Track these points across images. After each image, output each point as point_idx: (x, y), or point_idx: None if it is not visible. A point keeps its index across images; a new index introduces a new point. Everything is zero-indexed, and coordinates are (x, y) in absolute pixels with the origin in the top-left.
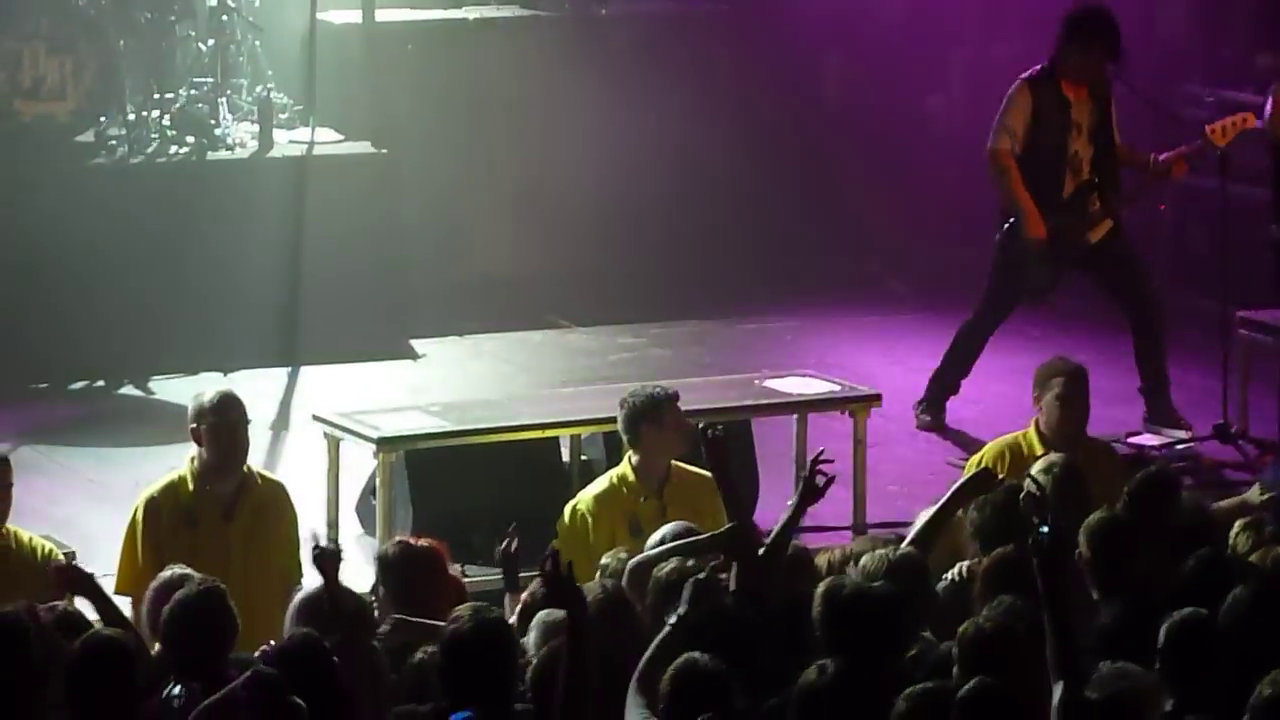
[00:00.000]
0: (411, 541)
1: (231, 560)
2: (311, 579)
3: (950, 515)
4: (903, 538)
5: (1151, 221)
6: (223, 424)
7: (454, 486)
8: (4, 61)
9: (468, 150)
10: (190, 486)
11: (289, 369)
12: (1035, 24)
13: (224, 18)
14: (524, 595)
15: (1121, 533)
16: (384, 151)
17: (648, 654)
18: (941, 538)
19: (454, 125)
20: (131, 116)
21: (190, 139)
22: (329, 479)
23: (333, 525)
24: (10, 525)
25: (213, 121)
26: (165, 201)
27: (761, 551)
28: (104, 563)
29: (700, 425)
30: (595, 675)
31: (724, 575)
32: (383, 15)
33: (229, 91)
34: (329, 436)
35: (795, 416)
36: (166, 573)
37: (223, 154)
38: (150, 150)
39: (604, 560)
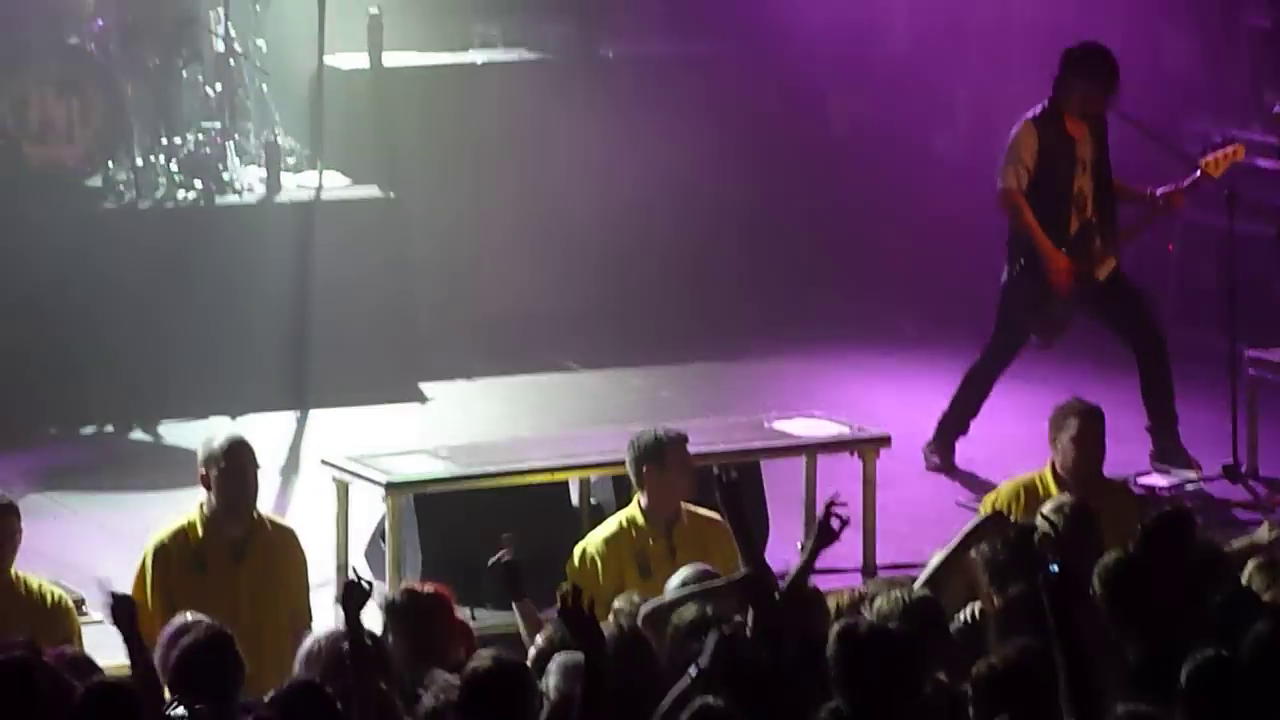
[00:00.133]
0: (417, 588)
1: (241, 605)
2: (321, 623)
3: (962, 557)
4: (913, 579)
5: (1160, 259)
6: (233, 469)
7: (463, 530)
8: (12, 105)
9: (475, 193)
10: (200, 531)
11: (298, 413)
12: (1041, 60)
13: (231, 62)
14: (539, 638)
15: (1136, 572)
16: (391, 195)
17: (665, 703)
18: (953, 579)
19: (461, 168)
20: (139, 161)
21: (198, 183)
22: (338, 523)
23: (342, 569)
24: (19, 570)
25: (220, 166)
26: (173, 246)
27: (778, 595)
28: None
29: (715, 470)
30: (610, 714)
31: (738, 617)
32: (390, 59)
33: (236, 136)
34: (338, 480)
35: (804, 458)
36: (179, 619)
37: (230, 198)
38: (158, 194)
39: (617, 603)
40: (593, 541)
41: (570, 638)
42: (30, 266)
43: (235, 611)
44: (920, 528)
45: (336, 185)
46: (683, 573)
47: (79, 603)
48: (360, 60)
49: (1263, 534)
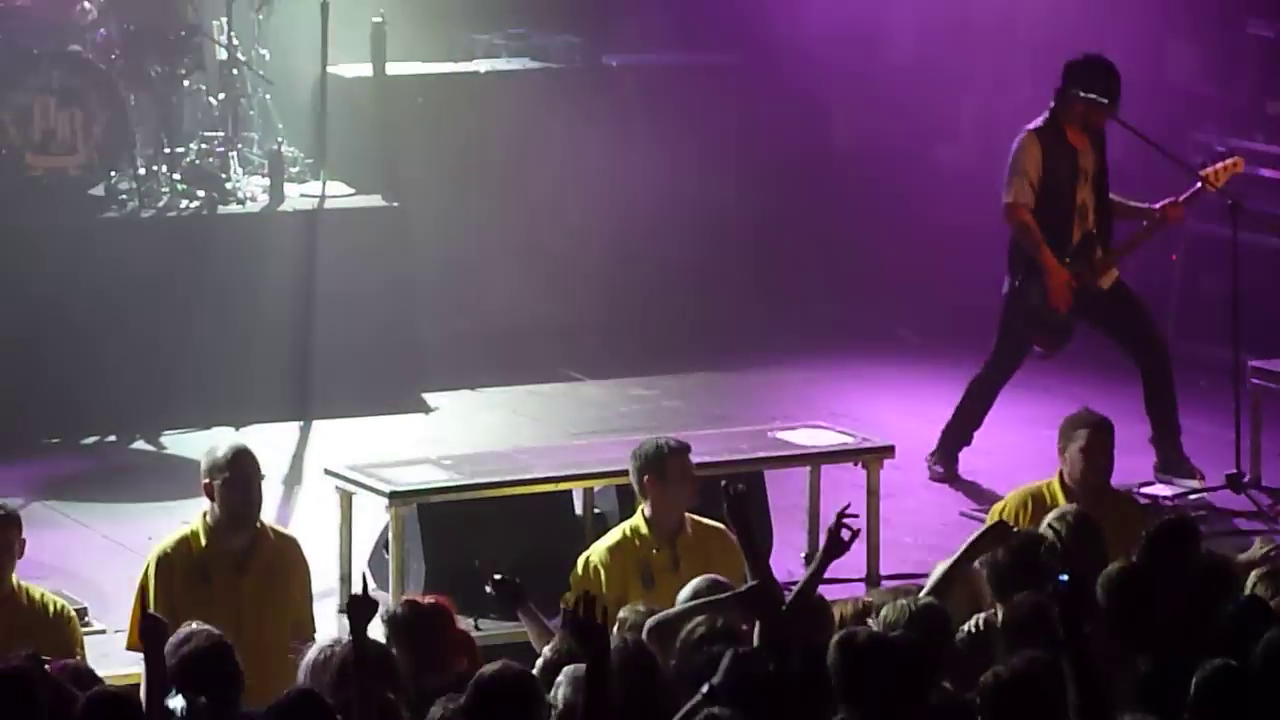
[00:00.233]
0: (418, 600)
1: (244, 615)
2: (324, 633)
3: (966, 566)
4: (919, 588)
5: (1163, 270)
6: (237, 478)
7: (467, 540)
8: (15, 115)
9: (479, 202)
10: (203, 541)
11: (301, 423)
12: (1044, 72)
13: (234, 71)
14: (546, 649)
15: (1139, 582)
16: (395, 204)
17: None
18: (957, 588)
19: (465, 178)
20: (142, 170)
21: (201, 193)
22: (341, 533)
23: (345, 579)
24: (22, 581)
25: (223, 175)
26: (176, 255)
27: (785, 607)
28: (116, 618)
29: (723, 483)
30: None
31: (745, 627)
32: (393, 68)
33: (239, 145)
34: (341, 490)
35: (808, 468)
36: (183, 629)
37: (233, 208)
38: (161, 204)
39: (621, 614)
40: (596, 551)
41: (576, 645)
42: (33, 276)
43: (238, 621)
44: (923, 538)
45: (339, 195)
46: (694, 584)
47: (81, 612)
48: (364, 69)
49: (1255, 552)
